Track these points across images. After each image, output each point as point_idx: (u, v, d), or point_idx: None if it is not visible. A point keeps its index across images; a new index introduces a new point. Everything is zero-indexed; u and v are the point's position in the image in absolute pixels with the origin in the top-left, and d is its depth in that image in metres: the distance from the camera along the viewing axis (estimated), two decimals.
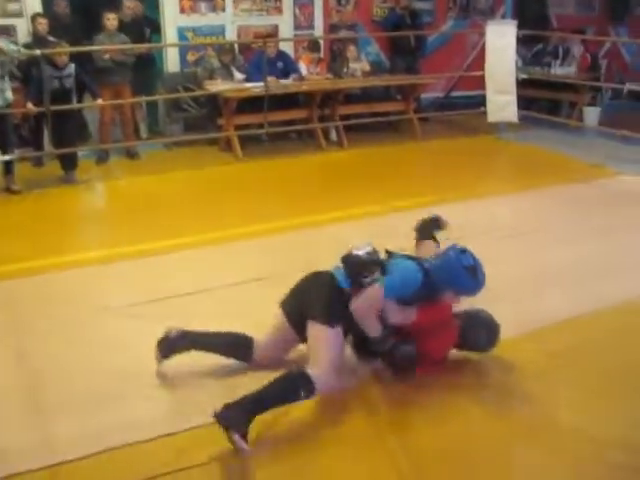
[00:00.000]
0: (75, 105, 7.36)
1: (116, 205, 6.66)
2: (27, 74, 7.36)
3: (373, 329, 3.39)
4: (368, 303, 3.33)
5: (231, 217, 6.04)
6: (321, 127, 8.88)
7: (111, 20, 7.94)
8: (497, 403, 3.39)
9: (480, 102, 9.46)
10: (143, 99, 8.63)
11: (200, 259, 4.86)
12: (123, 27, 8.20)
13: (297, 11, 9.90)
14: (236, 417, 2.96)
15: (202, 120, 9.01)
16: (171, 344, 3.52)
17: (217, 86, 8.43)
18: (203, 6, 9.34)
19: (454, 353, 3.73)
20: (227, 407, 2.98)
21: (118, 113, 8.19)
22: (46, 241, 5.54)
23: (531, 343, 3.93)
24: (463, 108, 10.00)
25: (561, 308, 4.30)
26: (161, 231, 5.68)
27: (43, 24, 7.74)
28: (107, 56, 7.78)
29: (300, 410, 3.22)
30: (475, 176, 7.46)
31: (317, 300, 3.34)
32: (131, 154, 8.21)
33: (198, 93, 8.63)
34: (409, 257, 3.53)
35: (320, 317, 3.28)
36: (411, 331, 3.46)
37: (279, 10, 9.77)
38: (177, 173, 7.53)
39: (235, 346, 3.56)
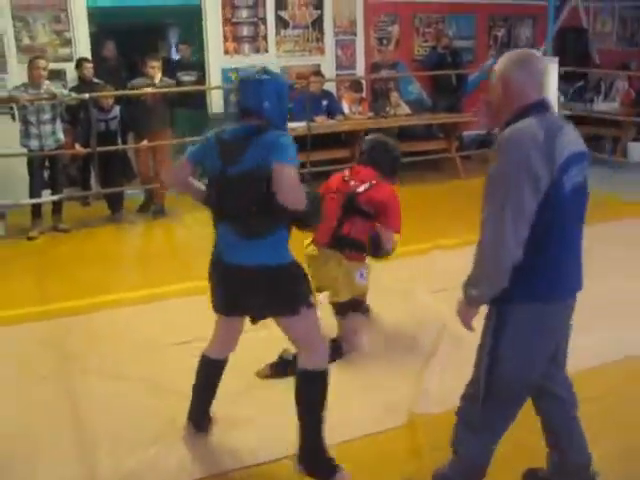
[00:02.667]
0: (120, 146, 7.52)
1: (160, 244, 6.75)
2: (75, 116, 7.55)
3: (301, 200, 2.82)
4: (290, 183, 2.77)
5: None
6: None
7: (155, 69, 7.49)
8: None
9: None
10: (182, 141, 8.68)
11: None
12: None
13: (339, 51, 10.05)
14: (317, 464, 2.99)
15: None
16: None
17: None
18: (247, 47, 9.52)
19: None
20: (303, 462, 2.99)
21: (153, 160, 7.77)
22: (92, 280, 5.63)
23: None
24: None
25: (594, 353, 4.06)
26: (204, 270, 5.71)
27: (89, 68, 7.91)
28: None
29: None
30: None
31: (268, 300, 2.95)
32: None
33: None
34: None
35: (284, 311, 2.96)
36: None
37: (321, 50, 9.93)
38: None
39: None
